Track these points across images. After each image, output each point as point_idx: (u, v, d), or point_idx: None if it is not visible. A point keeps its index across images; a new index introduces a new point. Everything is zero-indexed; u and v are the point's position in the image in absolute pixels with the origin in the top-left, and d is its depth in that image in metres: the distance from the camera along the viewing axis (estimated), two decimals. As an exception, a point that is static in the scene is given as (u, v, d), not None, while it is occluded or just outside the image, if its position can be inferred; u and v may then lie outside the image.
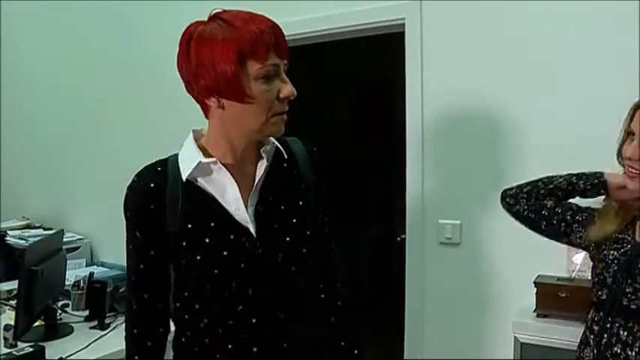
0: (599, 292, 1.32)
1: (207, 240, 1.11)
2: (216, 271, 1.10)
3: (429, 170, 2.32)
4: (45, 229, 3.32)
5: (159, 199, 1.12)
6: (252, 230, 1.13)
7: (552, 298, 1.84)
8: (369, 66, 3.73)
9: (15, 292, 2.63)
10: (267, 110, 1.08)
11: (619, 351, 1.22)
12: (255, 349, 1.15)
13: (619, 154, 1.38)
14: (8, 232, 3.24)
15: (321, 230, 1.27)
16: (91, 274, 2.61)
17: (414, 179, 2.34)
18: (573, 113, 2.03)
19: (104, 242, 3.30)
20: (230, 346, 1.14)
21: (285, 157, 1.21)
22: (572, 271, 2.03)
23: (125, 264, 2.95)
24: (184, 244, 1.11)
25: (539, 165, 2.05)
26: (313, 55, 2.71)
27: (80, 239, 3.26)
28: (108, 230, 3.23)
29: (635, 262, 1.24)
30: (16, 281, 2.65)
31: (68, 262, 2.69)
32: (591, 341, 1.30)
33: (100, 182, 3.32)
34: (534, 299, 1.92)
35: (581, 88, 2.01)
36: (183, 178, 1.13)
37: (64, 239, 2.81)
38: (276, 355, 1.17)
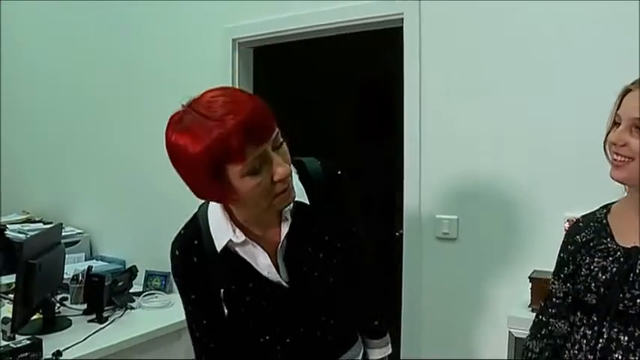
0: (586, 298, 1.26)
1: (247, 298, 1.25)
2: (256, 318, 1.28)
3: (426, 166, 2.32)
4: (45, 224, 3.33)
5: (202, 269, 1.23)
6: (285, 284, 1.25)
7: (547, 293, 1.83)
8: (367, 62, 3.72)
9: (14, 285, 2.65)
10: (264, 197, 1.08)
11: (620, 357, 1.16)
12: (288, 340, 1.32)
13: (606, 142, 1.30)
14: (8, 226, 3.25)
15: (355, 249, 1.37)
16: (90, 267, 2.63)
17: (412, 174, 2.34)
18: (572, 112, 2.03)
19: (103, 237, 3.31)
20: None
21: (307, 202, 1.22)
22: (568, 267, 2.02)
23: (124, 258, 3.03)
24: (228, 304, 1.26)
25: (538, 162, 2.10)
26: (309, 52, 2.70)
27: (80, 233, 3.27)
28: (107, 225, 3.28)
29: (634, 268, 1.20)
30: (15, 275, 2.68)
31: (67, 256, 2.71)
32: (583, 345, 1.24)
33: (101, 178, 3.34)
34: (529, 294, 1.91)
35: (580, 87, 2.01)
36: (218, 249, 1.20)
37: (64, 233, 2.83)
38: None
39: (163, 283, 2.84)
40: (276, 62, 3.02)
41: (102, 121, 3.30)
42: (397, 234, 2.62)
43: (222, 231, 1.20)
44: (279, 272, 1.25)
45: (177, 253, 1.25)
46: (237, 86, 2.66)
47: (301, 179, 1.24)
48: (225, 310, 1.25)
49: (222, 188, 1.03)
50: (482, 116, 2.20)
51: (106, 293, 2.48)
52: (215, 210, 1.22)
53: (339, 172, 1.31)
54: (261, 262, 1.23)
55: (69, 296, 2.60)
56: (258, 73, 2.79)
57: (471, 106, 2.22)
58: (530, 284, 1.93)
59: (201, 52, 2.80)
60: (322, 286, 1.29)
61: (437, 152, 2.30)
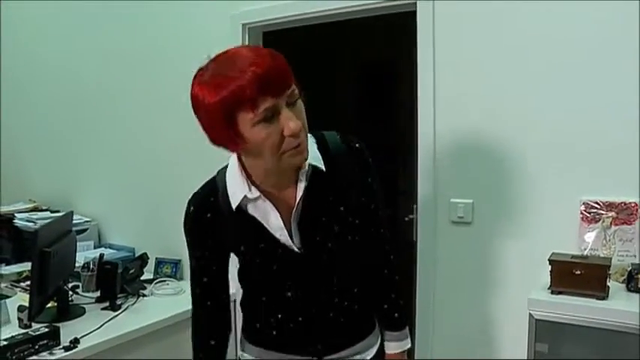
0: None
1: (258, 260, 1.27)
2: (267, 282, 1.31)
3: (440, 150, 2.30)
4: (52, 212, 3.31)
5: (215, 226, 1.26)
6: (296, 248, 1.26)
7: (567, 275, 1.84)
8: (375, 46, 3.69)
9: (25, 273, 2.64)
10: (274, 151, 1.09)
11: None
12: (300, 319, 1.34)
13: None
14: (16, 214, 3.23)
15: (371, 222, 1.37)
16: (102, 255, 2.62)
17: (426, 159, 2.33)
18: (588, 97, 2.02)
19: (111, 224, 3.30)
20: (280, 315, 1.35)
21: (323, 168, 1.23)
22: (584, 249, 2.04)
23: (133, 246, 3.03)
24: (239, 265, 1.33)
25: (554, 145, 2.09)
26: (317, 36, 2.68)
27: (87, 221, 3.26)
28: (115, 212, 3.27)
29: None
30: (25, 263, 2.67)
31: (77, 244, 2.68)
32: None
33: (107, 164, 3.32)
34: (548, 277, 1.91)
35: (595, 75, 2.00)
36: (233, 207, 1.23)
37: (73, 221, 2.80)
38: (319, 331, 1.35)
39: (174, 270, 2.83)
40: (286, 45, 2.99)
41: (108, 108, 3.27)
42: (406, 219, 2.61)
43: (238, 188, 1.22)
44: (291, 237, 1.25)
45: (192, 208, 1.27)
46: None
47: (320, 149, 1.26)
48: (237, 265, 1.30)
49: (234, 136, 1.06)
50: (498, 100, 2.18)
51: (118, 281, 2.47)
52: (233, 170, 1.24)
53: (358, 145, 1.32)
54: (273, 222, 1.23)
55: (80, 284, 2.59)
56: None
57: (486, 90, 2.20)
58: (550, 267, 1.93)
59: (210, 37, 2.75)
60: (335, 259, 1.28)
61: (451, 136, 2.29)
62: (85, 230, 3.16)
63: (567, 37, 2.04)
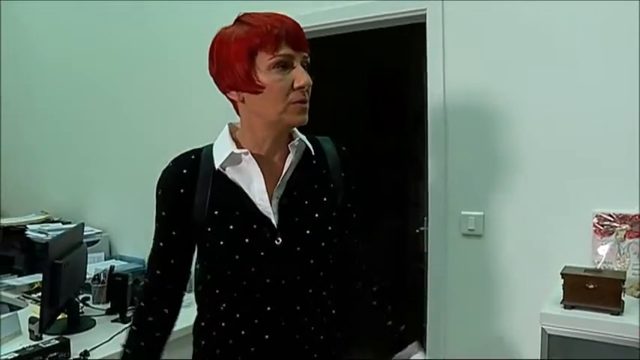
0: None
1: (231, 227, 1.16)
2: (237, 257, 1.15)
3: (451, 161, 2.30)
4: (64, 223, 3.33)
5: (189, 185, 1.18)
6: (274, 222, 1.18)
7: (580, 289, 1.81)
8: (383, 57, 3.70)
9: (36, 285, 2.65)
10: (282, 98, 1.12)
11: None
12: (266, 337, 1.20)
13: None
14: (28, 226, 3.25)
15: (351, 229, 1.31)
16: (112, 267, 2.62)
17: (437, 170, 2.32)
18: (601, 108, 2.00)
19: (122, 236, 3.31)
20: (243, 332, 1.20)
21: (314, 154, 1.25)
22: (598, 263, 2.01)
23: (144, 257, 3.02)
24: (209, 229, 1.17)
25: (567, 157, 2.07)
26: (330, 47, 2.69)
27: (98, 233, 3.27)
28: (125, 224, 3.28)
29: None
30: (37, 275, 2.69)
31: (88, 255, 2.69)
32: None
33: (117, 177, 3.34)
34: (560, 291, 1.88)
35: (607, 84, 1.98)
36: (216, 167, 1.18)
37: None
38: (288, 345, 1.22)
39: (185, 282, 2.82)
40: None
41: (119, 120, 3.30)
42: (417, 231, 2.59)
43: (224, 148, 1.20)
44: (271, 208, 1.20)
45: (170, 164, 1.23)
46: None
47: (312, 145, 1.28)
48: (209, 229, 1.16)
49: (249, 75, 1.11)
50: (510, 110, 2.17)
51: (128, 293, 2.47)
52: (221, 137, 1.24)
53: (348, 153, 1.35)
54: (256, 186, 1.19)
55: (91, 296, 2.59)
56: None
57: (497, 100, 2.19)
58: (562, 280, 1.90)
59: None
60: (313, 246, 1.21)
61: (462, 148, 2.28)
62: (96, 242, 3.18)
63: (585, 41, 2.02)
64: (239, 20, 1.16)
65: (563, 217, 2.09)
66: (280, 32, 1.10)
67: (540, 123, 2.12)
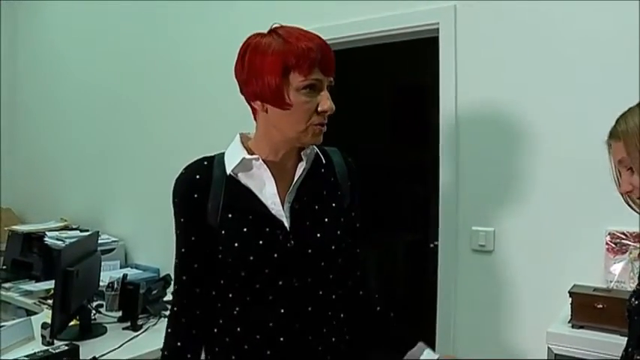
0: None
1: (244, 229, 1.20)
2: (251, 258, 1.19)
3: (462, 176, 2.28)
4: (82, 231, 3.40)
5: (203, 190, 1.22)
6: (286, 224, 1.22)
7: (588, 308, 1.78)
8: (402, 71, 3.70)
9: (52, 291, 2.70)
10: (305, 120, 1.17)
11: None
12: (281, 339, 1.22)
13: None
14: (47, 232, 3.32)
15: (354, 237, 1.34)
16: (125, 275, 2.66)
17: (448, 185, 2.31)
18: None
19: (138, 245, 3.36)
20: (258, 336, 1.22)
21: (324, 162, 1.31)
22: (610, 282, 1.97)
23: (158, 266, 3.06)
24: (223, 232, 1.21)
25: (579, 173, 2.04)
26: (346, 61, 2.71)
27: (115, 241, 3.32)
28: (142, 233, 3.32)
29: None
30: (53, 281, 2.73)
31: (103, 263, 2.75)
32: None
33: (137, 186, 3.38)
34: (569, 310, 1.86)
35: (625, 97, 1.92)
36: (228, 172, 1.22)
37: (100, 241, 2.87)
38: (302, 347, 1.24)
39: (196, 291, 2.84)
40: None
41: (138, 128, 3.36)
42: (432, 245, 2.58)
43: (235, 154, 1.24)
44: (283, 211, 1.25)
45: (183, 171, 1.27)
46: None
47: (322, 154, 1.32)
48: (223, 232, 1.21)
49: (284, 89, 1.14)
50: (521, 126, 2.15)
51: (140, 301, 2.50)
52: (232, 145, 1.27)
53: (355, 167, 1.38)
54: (268, 190, 1.23)
55: (104, 303, 2.63)
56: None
57: (508, 116, 2.18)
58: (570, 299, 1.87)
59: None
60: (323, 248, 1.25)
61: (474, 162, 2.27)
62: (112, 250, 3.23)
63: (601, 54, 1.97)
64: (275, 32, 1.18)
65: (575, 235, 2.05)
66: (316, 55, 1.14)
67: (554, 138, 2.09)
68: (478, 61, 2.24)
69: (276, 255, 1.20)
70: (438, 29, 2.29)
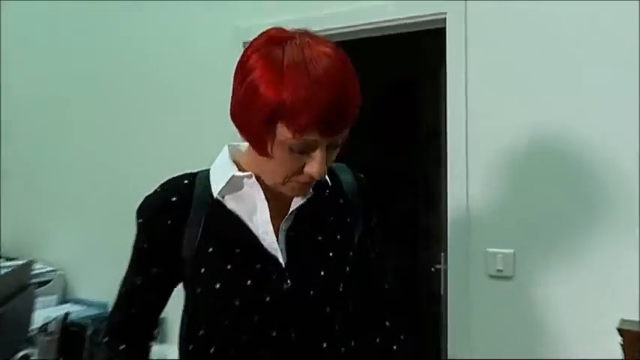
0: None
1: (228, 267, 1.04)
2: (236, 303, 1.03)
3: (474, 187, 2.01)
4: (9, 260, 2.87)
5: (179, 216, 1.06)
6: (282, 260, 1.05)
7: (642, 346, 1.52)
8: (394, 67, 3.37)
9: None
10: (284, 176, 1.00)
11: None
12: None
13: None
14: (-35, 263, 2.78)
15: (370, 268, 1.20)
16: (66, 314, 2.23)
17: (457, 198, 2.02)
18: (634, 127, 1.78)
19: (81, 274, 2.87)
20: None
21: (329, 184, 1.14)
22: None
23: (106, 300, 2.61)
24: (203, 270, 1.04)
25: (612, 178, 1.82)
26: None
27: (52, 271, 2.82)
28: (86, 260, 2.86)
29: None
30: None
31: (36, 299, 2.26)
32: None
33: (77, 205, 2.94)
34: (612, 346, 1.63)
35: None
36: (214, 194, 1.06)
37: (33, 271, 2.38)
38: None
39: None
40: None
41: (81, 139, 2.94)
42: (432, 269, 2.29)
43: (223, 171, 1.07)
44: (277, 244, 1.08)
45: (157, 189, 1.10)
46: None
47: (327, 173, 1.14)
48: (203, 270, 1.05)
49: (262, 133, 0.96)
50: (541, 127, 1.92)
51: (86, 346, 2.07)
52: (219, 160, 1.10)
53: (365, 180, 1.23)
54: (259, 216, 1.05)
55: (37, 351, 2.16)
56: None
57: (526, 116, 1.93)
58: (620, 337, 1.62)
59: (207, 58, 2.49)
60: (329, 290, 1.08)
61: (488, 171, 2.00)
62: (47, 282, 2.74)
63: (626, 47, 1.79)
64: (294, 48, 0.92)
65: (610, 257, 1.83)
66: (319, 116, 0.90)
67: (581, 142, 1.86)
68: (491, 58, 1.99)
69: (268, 299, 1.03)
70: (445, 19, 2.02)
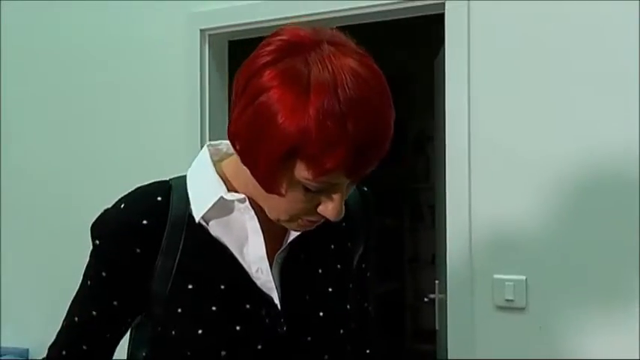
0: None
1: (213, 308, 0.92)
2: (223, 353, 0.92)
3: (478, 204, 1.80)
4: None
5: (150, 243, 0.92)
6: (277, 300, 0.94)
7: None
8: (376, 58, 3.16)
9: None
10: (292, 214, 0.88)
11: None
12: None
13: None
14: None
15: (362, 295, 1.11)
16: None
17: (458, 217, 1.81)
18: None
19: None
20: None
21: None
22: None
23: (27, 347, 2.28)
24: (180, 310, 0.91)
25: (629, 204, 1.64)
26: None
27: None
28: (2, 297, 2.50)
29: None
30: None
31: None
32: None
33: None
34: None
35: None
36: (196, 219, 0.92)
37: None
38: None
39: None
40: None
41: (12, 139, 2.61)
42: (426, 299, 2.11)
43: (207, 189, 0.93)
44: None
45: (121, 206, 0.94)
46: (207, 89, 2.08)
47: None
48: (180, 310, 0.93)
49: (275, 171, 0.81)
50: (556, 130, 1.74)
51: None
52: (201, 170, 0.96)
53: (367, 191, 1.12)
54: (253, 250, 0.93)
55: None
56: (234, 70, 2.22)
57: (540, 118, 1.75)
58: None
59: (160, 48, 2.24)
60: (329, 334, 0.99)
61: (494, 185, 1.80)
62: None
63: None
64: (304, 61, 0.77)
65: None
66: (348, 155, 0.77)
67: (598, 144, 1.69)
68: (497, 48, 1.79)
69: (260, 347, 0.93)
70: (443, 4, 1.79)
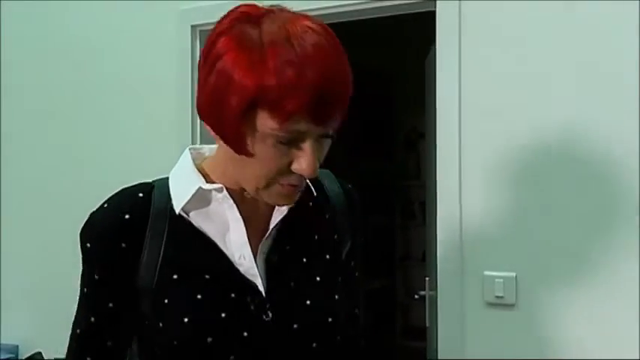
0: None
1: (198, 296, 0.93)
2: (209, 340, 0.93)
3: (468, 201, 1.80)
4: None
5: (134, 236, 0.94)
6: (261, 287, 0.96)
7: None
8: (367, 54, 3.11)
9: None
10: (270, 176, 0.88)
11: None
12: None
13: None
14: None
15: (350, 292, 1.08)
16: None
17: (448, 213, 1.81)
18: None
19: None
20: None
21: (314, 194, 1.03)
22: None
23: (16, 343, 2.31)
24: (166, 301, 0.93)
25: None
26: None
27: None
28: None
29: None
30: None
31: None
32: None
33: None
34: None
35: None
36: (177, 210, 0.95)
37: None
38: None
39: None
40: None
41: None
42: (416, 296, 2.10)
43: (186, 182, 0.96)
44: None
45: (104, 205, 0.97)
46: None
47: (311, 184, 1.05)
48: (166, 300, 0.94)
49: (240, 127, 0.83)
50: (548, 129, 1.74)
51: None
52: (182, 168, 0.99)
53: (353, 190, 1.13)
54: (234, 237, 0.95)
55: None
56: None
57: (532, 117, 1.75)
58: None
59: (152, 45, 2.24)
60: (316, 322, 0.99)
61: (484, 182, 1.80)
62: None
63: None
64: (270, 23, 0.81)
65: (632, 279, 1.63)
66: (308, 96, 0.79)
67: (599, 144, 1.68)
68: (489, 45, 1.79)
69: (246, 334, 0.94)
70: (435, 2, 1.79)
